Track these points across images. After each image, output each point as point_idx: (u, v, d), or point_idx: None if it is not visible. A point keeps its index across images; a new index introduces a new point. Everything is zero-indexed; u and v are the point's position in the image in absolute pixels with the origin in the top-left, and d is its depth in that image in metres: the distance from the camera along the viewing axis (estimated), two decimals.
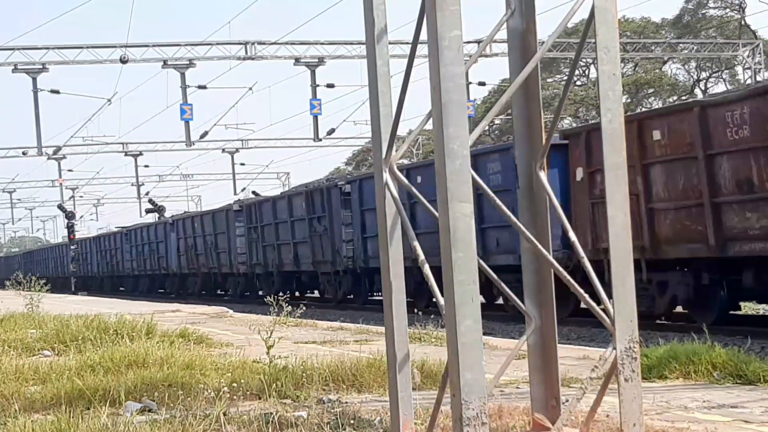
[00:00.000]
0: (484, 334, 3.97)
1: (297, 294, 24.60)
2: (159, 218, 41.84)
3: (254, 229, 25.47)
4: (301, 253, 22.66)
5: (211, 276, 29.77)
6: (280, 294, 25.57)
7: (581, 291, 3.79)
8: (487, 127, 37.73)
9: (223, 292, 30.77)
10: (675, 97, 39.39)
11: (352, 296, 21.53)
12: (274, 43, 26.42)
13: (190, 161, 68.99)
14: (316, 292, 25.72)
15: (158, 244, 33.90)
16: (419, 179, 16.09)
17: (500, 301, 17.05)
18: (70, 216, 43.91)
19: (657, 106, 38.57)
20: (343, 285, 21.44)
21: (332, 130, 30.90)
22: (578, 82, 41.65)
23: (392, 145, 3.89)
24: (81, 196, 54.70)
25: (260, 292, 26.06)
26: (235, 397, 5.24)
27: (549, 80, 41.27)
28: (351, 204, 20.02)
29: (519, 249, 13.87)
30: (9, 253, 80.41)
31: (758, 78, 29.65)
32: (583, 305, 9.44)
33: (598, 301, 3.76)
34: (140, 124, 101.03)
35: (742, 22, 38.86)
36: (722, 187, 11.03)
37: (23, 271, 48.91)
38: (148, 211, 46.06)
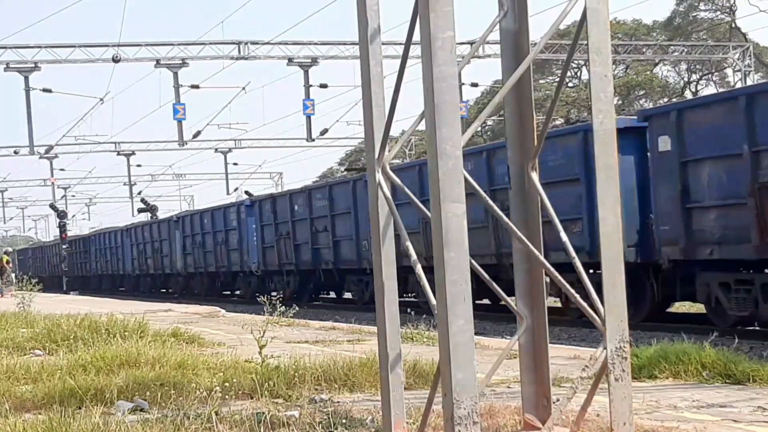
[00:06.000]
0: (476, 333, 3.99)
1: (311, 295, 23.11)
2: (151, 218, 41.60)
3: (268, 227, 23.93)
4: (321, 251, 21.14)
5: (220, 275, 28.22)
6: (295, 295, 22.85)
7: (572, 291, 3.82)
8: (479, 128, 37.81)
9: (229, 293, 29.26)
10: (666, 99, 39.54)
11: None
12: (267, 43, 26.40)
13: (182, 161, 68.86)
14: (332, 293, 24.17)
15: (162, 242, 32.29)
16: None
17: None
18: (62, 215, 43.73)
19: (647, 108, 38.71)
20: (370, 286, 19.33)
21: (325, 131, 30.87)
22: (570, 84, 41.76)
23: (385, 145, 3.91)
24: (73, 196, 54.55)
25: (274, 293, 24.48)
26: (227, 396, 5.24)
27: (541, 81, 41.36)
28: None
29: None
30: (37, 243, 67.49)
31: (748, 80, 29.81)
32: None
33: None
34: (133, 124, 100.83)
35: (733, 25, 39.04)
36: None
37: (70, 266, 45.33)
38: (140, 211, 45.94)
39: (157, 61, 25.69)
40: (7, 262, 33.89)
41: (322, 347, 8.70)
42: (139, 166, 42.67)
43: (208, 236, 28.08)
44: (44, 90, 26.72)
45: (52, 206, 45.23)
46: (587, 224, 12.87)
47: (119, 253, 37.91)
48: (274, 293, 26.03)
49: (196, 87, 27.26)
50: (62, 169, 43.63)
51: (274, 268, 23.83)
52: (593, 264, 13.39)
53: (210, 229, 27.97)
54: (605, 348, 3.67)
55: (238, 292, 28.40)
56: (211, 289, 29.58)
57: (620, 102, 38.96)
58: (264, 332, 5.90)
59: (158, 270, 33.17)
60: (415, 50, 3.48)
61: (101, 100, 29.37)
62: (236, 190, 43.07)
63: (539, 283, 4.01)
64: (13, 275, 34.21)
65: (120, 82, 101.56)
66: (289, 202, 22.84)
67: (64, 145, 34.45)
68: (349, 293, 22.34)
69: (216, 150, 39.69)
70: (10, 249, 42.17)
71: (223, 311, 16.79)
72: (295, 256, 22.50)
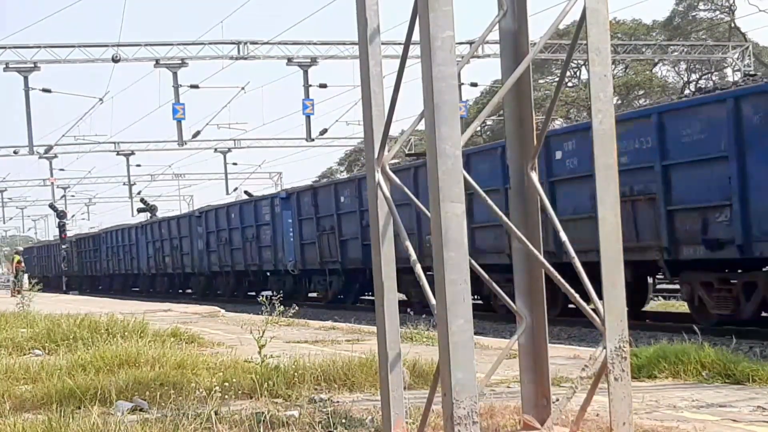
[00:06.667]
0: (476, 333, 4.00)
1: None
2: (151, 218, 41.50)
3: (308, 221, 21.72)
4: (364, 250, 18.95)
5: (249, 275, 25.91)
6: (340, 296, 18.71)
7: (572, 291, 3.81)
8: (479, 128, 37.81)
9: (254, 294, 26.28)
10: (666, 99, 39.54)
11: None
12: (267, 43, 26.41)
13: (182, 161, 68.98)
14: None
15: (182, 239, 30.03)
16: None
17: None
18: (61, 215, 43.68)
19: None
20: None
21: (325, 130, 30.90)
22: (569, 84, 41.77)
23: (384, 145, 3.91)
24: (72, 196, 54.59)
25: (312, 294, 22.59)
26: (226, 396, 5.24)
27: (541, 81, 41.39)
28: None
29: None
30: (43, 242, 60.61)
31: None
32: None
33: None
34: (132, 124, 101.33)
35: (732, 25, 39.06)
36: None
37: (78, 265, 42.92)
38: (139, 211, 45.96)
39: (157, 60, 25.71)
40: (19, 262, 33.61)
41: (321, 347, 8.69)
42: (138, 166, 42.82)
43: (236, 232, 25.76)
44: (44, 90, 26.74)
45: (52, 206, 45.20)
46: (739, 211, 10.66)
47: (133, 251, 35.68)
48: (312, 294, 21.58)
49: (196, 87, 27.29)
50: (62, 169, 43.69)
51: (315, 266, 21.68)
52: (745, 261, 10.93)
53: (238, 224, 25.60)
54: (605, 348, 3.67)
55: (267, 293, 26.45)
56: (238, 289, 27.29)
57: (620, 102, 38.96)
58: (263, 332, 5.89)
59: (177, 269, 30.96)
60: (415, 50, 3.48)
61: (101, 100, 29.41)
62: (236, 189, 43.15)
63: (539, 283, 4.01)
64: (26, 276, 33.87)
65: (119, 82, 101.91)
66: (334, 193, 20.34)
67: (63, 145, 34.49)
68: (404, 295, 18.80)
69: (215, 150, 39.73)
70: (21, 248, 41.47)
71: (222, 311, 16.80)
72: (340, 253, 20.25)
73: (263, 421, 4.57)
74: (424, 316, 10.61)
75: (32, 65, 25.15)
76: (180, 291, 32.50)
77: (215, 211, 28.01)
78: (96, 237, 42.48)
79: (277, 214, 23.39)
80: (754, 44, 35.81)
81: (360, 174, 22.00)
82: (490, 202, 3.97)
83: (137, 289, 37.07)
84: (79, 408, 5.13)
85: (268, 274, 24.94)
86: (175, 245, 30.99)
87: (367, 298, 22.11)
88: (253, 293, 26.61)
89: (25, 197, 59.03)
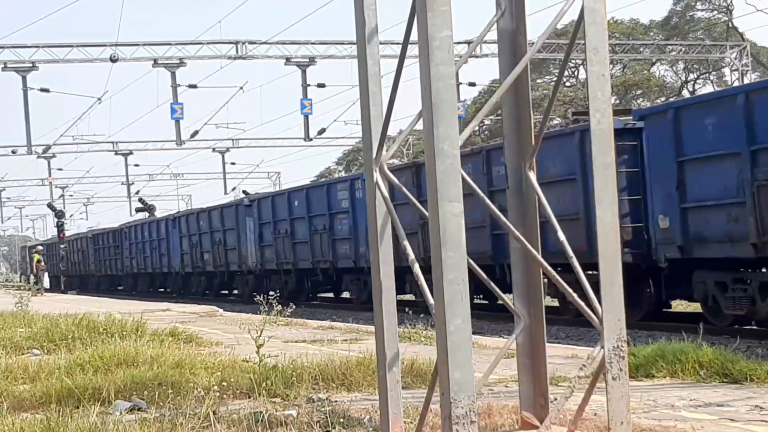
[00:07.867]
0: (474, 333, 4.00)
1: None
2: (149, 217, 41.33)
3: (405, 207, 12.99)
4: (504, 238, 12.42)
5: (317, 273, 21.49)
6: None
7: (570, 290, 3.82)
8: (477, 128, 37.84)
9: (315, 295, 22.59)
10: (663, 99, 39.59)
11: None
12: (265, 43, 26.41)
13: (180, 160, 68.94)
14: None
15: (226, 232, 25.79)
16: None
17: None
18: (59, 215, 43.62)
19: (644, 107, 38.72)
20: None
21: (323, 130, 30.91)
22: (567, 83, 41.80)
23: (383, 145, 3.92)
24: (71, 195, 54.55)
25: (405, 296, 16.59)
26: (224, 395, 5.25)
27: (539, 81, 41.42)
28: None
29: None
30: (52, 239, 53.50)
31: (745, 79, 29.85)
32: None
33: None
34: (130, 123, 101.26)
35: (730, 25, 39.10)
36: None
37: (95, 264, 40.79)
38: (138, 210, 45.92)
39: (155, 60, 25.70)
40: (39, 262, 33.18)
41: (319, 346, 8.70)
42: (137, 165, 42.70)
43: (300, 223, 21.63)
44: (42, 90, 26.71)
45: (50, 206, 45.16)
46: None
47: (162, 247, 31.09)
48: (405, 296, 16.41)
49: (194, 86, 27.29)
50: (60, 169, 43.64)
51: (423, 262, 16.77)
52: None
53: (303, 213, 21.40)
54: (603, 347, 3.68)
55: (351, 295, 21.52)
56: (299, 290, 22.33)
57: (618, 101, 38.98)
58: (261, 331, 5.90)
59: (219, 266, 26.51)
60: (413, 49, 3.48)
61: (99, 99, 29.38)
62: (234, 189, 43.12)
63: (537, 282, 4.01)
64: (46, 275, 33.31)
65: (118, 82, 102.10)
66: None
67: (62, 144, 34.46)
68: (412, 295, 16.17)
69: (214, 149, 39.74)
70: (42, 247, 40.39)
71: (221, 310, 16.82)
72: None
73: (261, 420, 4.57)
74: (422, 315, 10.61)
75: (30, 65, 25.13)
76: (221, 292, 28.62)
77: (271, 199, 23.69)
78: (117, 232, 37.94)
79: (359, 199, 18.88)
80: (752, 44, 35.84)
81: (491, 144, 16.95)
82: (488, 202, 3.98)
83: (163, 289, 32.84)
84: (78, 407, 5.13)
85: (328, 271, 21.05)
86: (217, 239, 26.50)
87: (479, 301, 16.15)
88: (320, 295, 22.64)
89: (23, 197, 59.04)
